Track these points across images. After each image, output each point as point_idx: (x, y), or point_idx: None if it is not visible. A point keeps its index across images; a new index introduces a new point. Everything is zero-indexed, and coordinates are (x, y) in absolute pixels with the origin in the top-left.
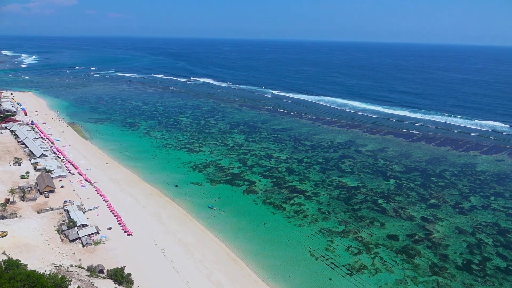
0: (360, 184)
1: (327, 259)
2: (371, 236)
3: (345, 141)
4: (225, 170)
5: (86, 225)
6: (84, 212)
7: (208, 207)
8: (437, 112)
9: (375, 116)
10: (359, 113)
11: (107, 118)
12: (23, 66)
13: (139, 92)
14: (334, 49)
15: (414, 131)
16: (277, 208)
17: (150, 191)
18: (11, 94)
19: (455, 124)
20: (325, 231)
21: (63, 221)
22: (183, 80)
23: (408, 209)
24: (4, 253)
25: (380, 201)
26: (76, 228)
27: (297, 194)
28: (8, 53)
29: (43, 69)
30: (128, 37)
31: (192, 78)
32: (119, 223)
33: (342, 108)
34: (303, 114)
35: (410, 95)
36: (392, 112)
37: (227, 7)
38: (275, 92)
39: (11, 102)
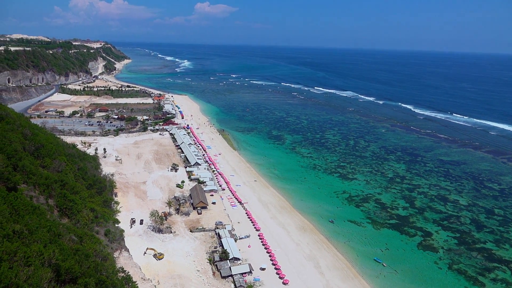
0: None
1: None
2: None
3: None
4: (388, 210)
5: (239, 259)
6: (235, 240)
7: (375, 260)
8: None
9: None
10: None
11: (253, 128)
12: (180, 70)
13: (281, 102)
14: (497, 63)
15: None
16: (473, 282)
17: (302, 224)
18: (172, 96)
19: None
20: None
21: (215, 248)
22: (324, 91)
23: None
24: None
25: None
26: (228, 261)
27: (497, 265)
28: (169, 58)
29: (195, 74)
30: (268, 46)
31: (333, 90)
32: (273, 264)
33: None
34: (475, 144)
35: None
36: None
37: (368, 17)
38: (428, 113)
39: (171, 104)
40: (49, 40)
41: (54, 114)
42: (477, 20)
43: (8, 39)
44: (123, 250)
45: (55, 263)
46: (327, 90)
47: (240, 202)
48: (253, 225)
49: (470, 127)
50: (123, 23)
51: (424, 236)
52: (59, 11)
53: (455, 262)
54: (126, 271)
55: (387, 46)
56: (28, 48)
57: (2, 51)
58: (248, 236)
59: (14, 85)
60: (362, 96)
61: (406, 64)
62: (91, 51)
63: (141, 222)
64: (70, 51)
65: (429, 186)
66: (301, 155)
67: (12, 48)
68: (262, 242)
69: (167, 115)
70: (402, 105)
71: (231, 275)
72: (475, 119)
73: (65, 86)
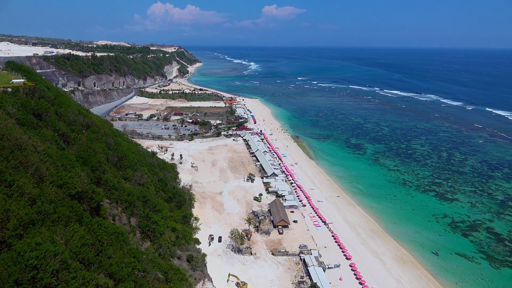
0: None
1: None
2: None
3: None
4: (507, 243)
5: None
6: (324, 270)
7: None
8: None
9: None
10: None
11: (329, 135)
12: (247, 73)
13: (356, 106)
14: None
15: None
16: None
17: (400, 254)
18: (243, 100)
19: None
20: None
21: (301, 277)
22: (401, 95)
23: None
24: None
25: None
26: None
27: None
28: (237, 61)
29: (263, 76)
30: (336, 47)
31: (411, 94)
32: None
33: None
34: None
35: None
36: None
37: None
38: None
39: (243, 108)
40: (130, 46)
41: (133, 117)
42: None
43: (95, 46)
44: (206, 280)
45: None
46: (405, 94)
47: (324, 222)
48: (343, 252)
49: None
50: (194, 28)
51: None
52: (138, 19)
53: None
54: None
55: (461, 45)
56: (111, 54)
57: (90, 57)
58: (338, 266)
59: (98, 89)
60: (446, 101)
61: (493, 64)
62: (167, 55)
63: (220, 239)
64: (148, 56)
65: None
66: (387, 167)
67: (98, 54)
68: (355, 275)
69: (240, 120)
70: (496, 111)
71: None
72: None
73: (143, 89)
